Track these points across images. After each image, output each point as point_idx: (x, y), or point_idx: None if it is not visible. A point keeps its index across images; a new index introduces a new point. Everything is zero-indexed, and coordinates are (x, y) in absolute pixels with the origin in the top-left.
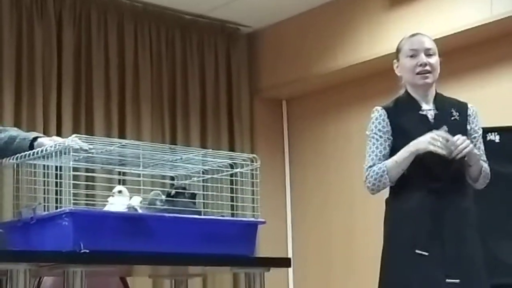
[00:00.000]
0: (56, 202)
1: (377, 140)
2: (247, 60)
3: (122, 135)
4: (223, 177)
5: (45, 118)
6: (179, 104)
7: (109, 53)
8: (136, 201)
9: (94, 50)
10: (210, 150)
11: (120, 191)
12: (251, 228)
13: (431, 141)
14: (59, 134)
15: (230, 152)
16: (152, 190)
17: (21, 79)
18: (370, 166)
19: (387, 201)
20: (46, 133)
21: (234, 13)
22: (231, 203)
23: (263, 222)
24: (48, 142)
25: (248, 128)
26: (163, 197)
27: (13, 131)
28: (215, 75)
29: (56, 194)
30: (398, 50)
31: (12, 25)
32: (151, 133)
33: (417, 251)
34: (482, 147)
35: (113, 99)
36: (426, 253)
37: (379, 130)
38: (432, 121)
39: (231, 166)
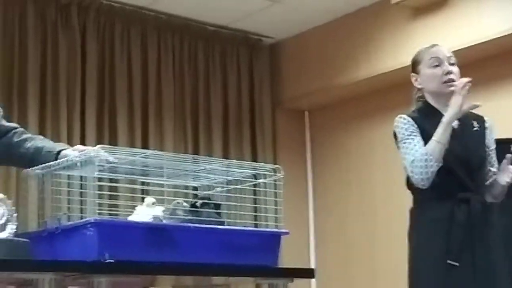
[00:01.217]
0: (81, 212)
1: (412, 139)
2: (270, 71)
3: (145, 146)
4: (246, 187)
5: (69, 129)
6: (202, 115)
7: (132, 64)
8: (159, 211)
9: (118, 61)
10: (233, 160)
11: (153, 203)
12: (274, 239)
13: (462, 103)
14: (82, 145)
15: (253, 163)
16: (175, 200)
17: (45, 90)
18: (413, 160)
19: (412, 211)
20: (70, 144)
21: (257, 24)
22: (254, 213)
23: (286, 233)
24: (72, 153)
25: (270, 139)
26: (185, 204)
27: (39, 141)
28: (238, 86)
29: (80, 204)
30: (417, 62)
31: (37, 37)
32: (173, 144)
33: (448, 261)
34: (496, 159)
35: (136, 110)
36: (457, 264)
37: (412, 131)
38: (456, 130)
39: (254, 177)
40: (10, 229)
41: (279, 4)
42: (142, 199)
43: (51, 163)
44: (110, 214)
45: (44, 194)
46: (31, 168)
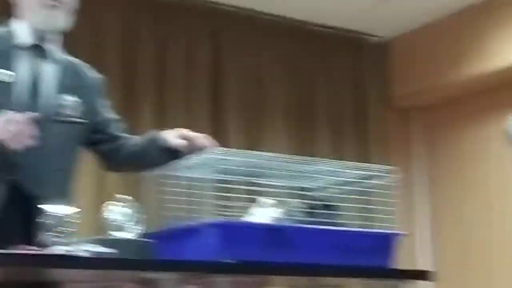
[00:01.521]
0: (199, 213)
1: None
2: (378, 70)
3: (253, 147)
4: (360, 188)
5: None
6: (309, 116)
7: (242, 67)
8: (274, 212)
9: (229, 63)
10: (347, 161)
11: (265, 203)
12: (390, 240)
13: None
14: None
15: (367, 164)
16: (289, 202)
17: (162, 91)
18: None
19: None
20: None
21: (365, 23)
22: (368, 214)
23: (402, 235)
24: (171, 138)
25: (379, 138)
26: (300, 206)
27: (141, 136)
28: (346, 86)
29: (198, 205)
30: None
31: (153, 43)
32: (280, 145)
33: None
34: None
35: (244, 111)
36: None
37: None
38: None
39: (368, 178)
40: (137, 230)
41: (387, 3)
42: (256, 201)
43: (168, 164)
44: (225, 215)
45: (162, 195)
46: (148, 169)
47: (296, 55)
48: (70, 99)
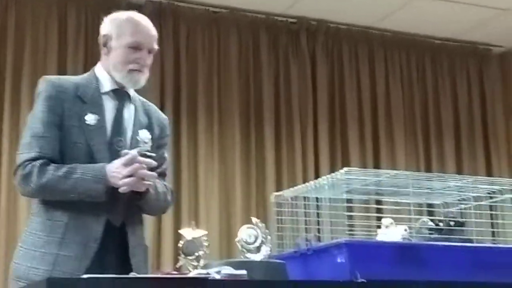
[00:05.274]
0: (328, 233)
1: None
2: (501, 80)
3: (376, 163)
4: (490, 203)
5: (304, 150)
6: (433, 129)
7: (360, 83)
8: (403, 231)
9: (347, 81)
10: (480, 176)
11: (390, 224)
12: None
13: None
14: (316, 164)
15: (498, 178)
16: (418, 219)
17: (279, 115)
18: None
19: None
20: (304, 164)
21: (485, 34)
22: (500, 230)
23: None
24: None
25: (505, 149)
26: (431, 223)
27: None
28: (468, 97)
29: (327, 225)
30: None
31: (270, 65)
32: (405, 159)
33: None
34: None
35: (367, 127)
36: None
37: None
38: None
39: (498, 192)
40: (265, 251)
41: (508, 12)
42: (385, 219)
43: (301, 185)
44: (354, 235)
45: (294, 216)
46: (283, 192)
47: (416, 69)
48: (145, 135)
